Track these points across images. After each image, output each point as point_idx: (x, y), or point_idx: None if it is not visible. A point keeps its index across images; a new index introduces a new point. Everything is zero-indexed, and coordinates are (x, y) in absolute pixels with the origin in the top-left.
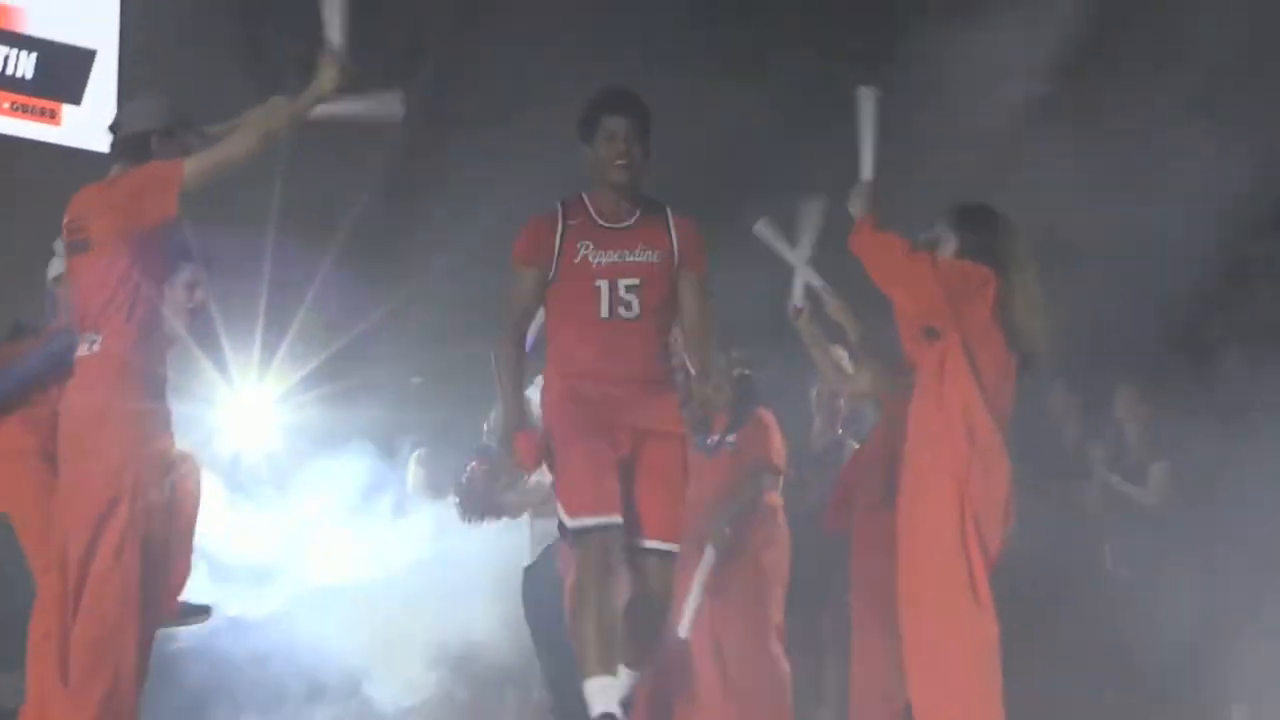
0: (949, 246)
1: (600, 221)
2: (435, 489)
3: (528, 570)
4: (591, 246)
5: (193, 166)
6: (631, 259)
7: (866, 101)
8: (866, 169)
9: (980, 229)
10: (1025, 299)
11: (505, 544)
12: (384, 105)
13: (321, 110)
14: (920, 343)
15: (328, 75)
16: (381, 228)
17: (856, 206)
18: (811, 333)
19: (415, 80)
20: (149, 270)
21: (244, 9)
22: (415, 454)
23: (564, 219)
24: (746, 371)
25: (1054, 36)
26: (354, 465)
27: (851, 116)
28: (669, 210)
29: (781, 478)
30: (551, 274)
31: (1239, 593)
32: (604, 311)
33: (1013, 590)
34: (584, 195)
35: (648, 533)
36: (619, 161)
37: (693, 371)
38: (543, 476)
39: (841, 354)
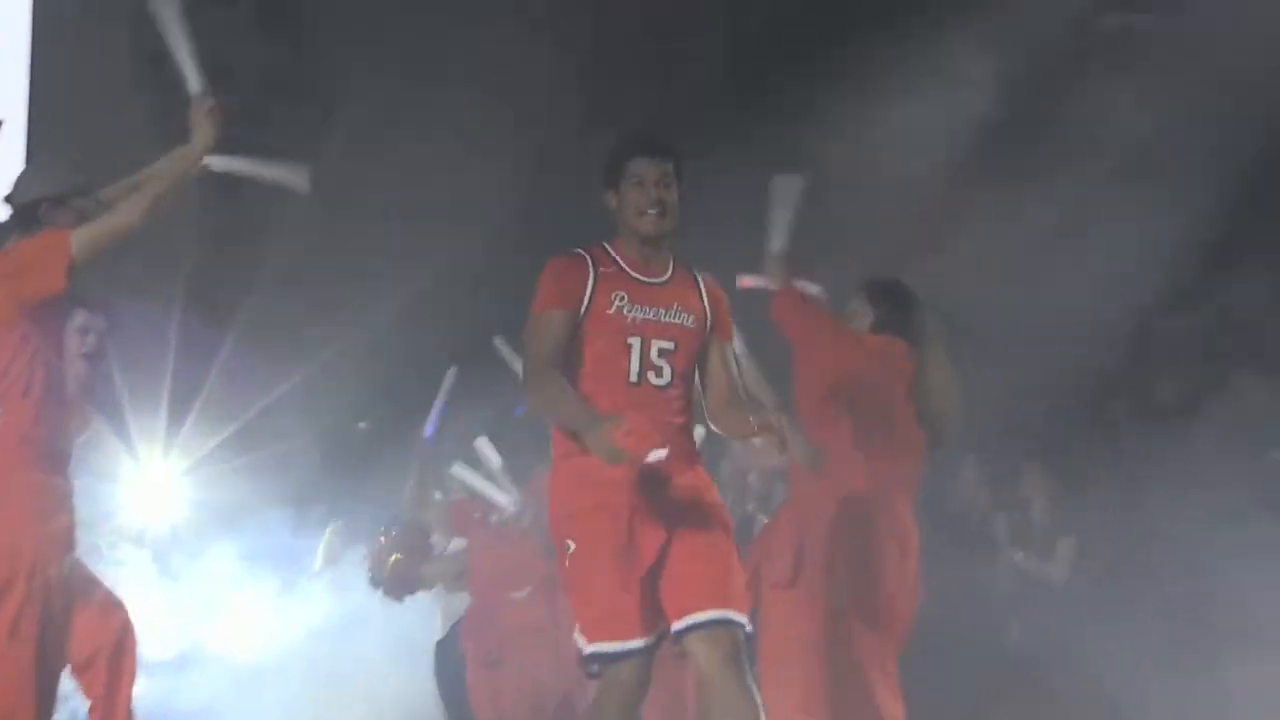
0: (864, 321)
1: (633, 273)
2: (351, 562)
3: (439, 645)
4: (626, 299)
5: (82, 237)
6: (668, 319)
7: (790, 186)
8: (779, 241)
9: (895, 304)
10: (935, 375)
11: (417, 618)
12: (291, 176)
13: (230, 166)
14: (828, 417)
15: (202, 128)
16: (286, 302)
17: (775, 278)
18: None
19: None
20: (47, 341)
21: (154, 71)
22: (331, 526)
23: (594, 264)
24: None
25: (967, 114)
26: (267, 539)
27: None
28: (697, 272)
29: None
30: (578, 323)
31: (1145, 666)
32: (634, 375)
33: (921, 666)
34: (606, 244)
35: (702, 604)
36: (650, 210)
37: (739, 436)
38: (459, 546)
39: None
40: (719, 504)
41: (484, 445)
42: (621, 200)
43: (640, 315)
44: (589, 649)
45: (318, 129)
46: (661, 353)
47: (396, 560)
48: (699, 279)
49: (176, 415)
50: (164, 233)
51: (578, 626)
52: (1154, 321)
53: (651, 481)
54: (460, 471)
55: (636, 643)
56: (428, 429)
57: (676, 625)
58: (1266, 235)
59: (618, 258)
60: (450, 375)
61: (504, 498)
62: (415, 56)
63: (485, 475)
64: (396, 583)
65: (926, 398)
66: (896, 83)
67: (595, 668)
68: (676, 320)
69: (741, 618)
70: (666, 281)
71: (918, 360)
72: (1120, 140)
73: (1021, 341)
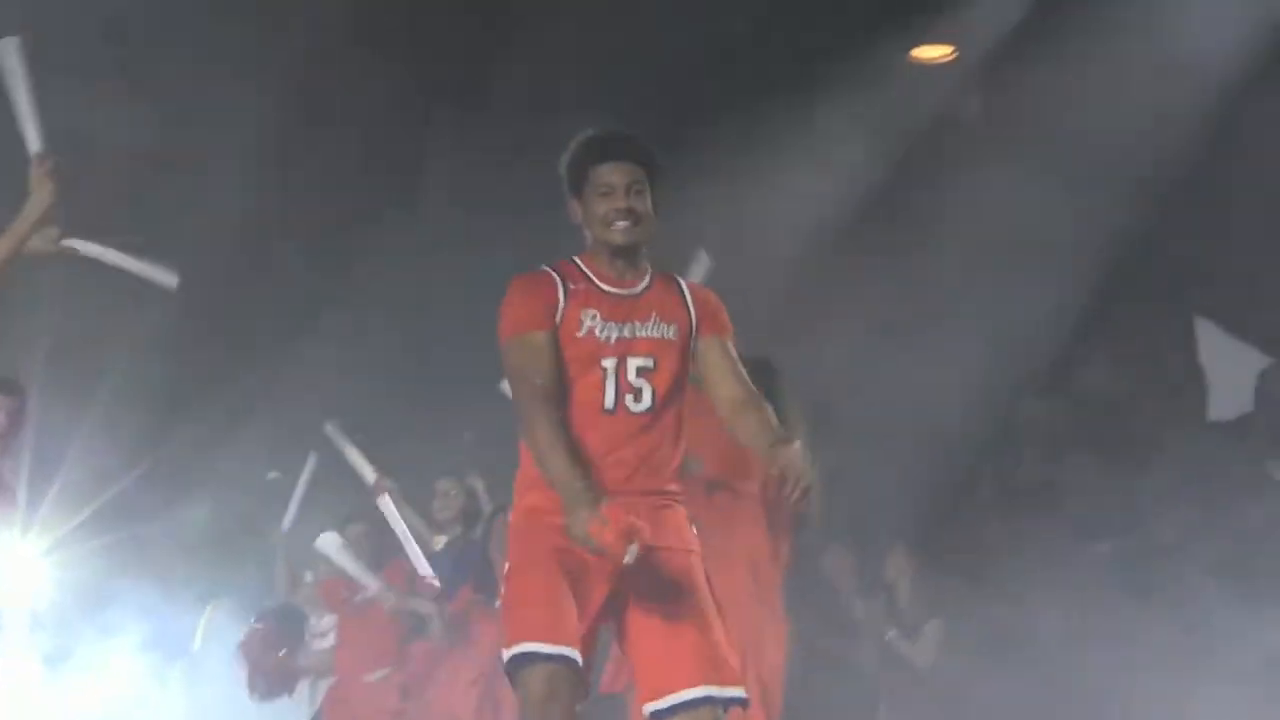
0: None
1: (604, 286)
2: (229, 647)
3: None
4: (598, 317)
5: None
6: (644, 334)
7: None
8: None
9: (760, 383)
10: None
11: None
12: (159, 275)
13: (97, 253)
14: (697, 495)
15: (40, 190)
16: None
17: None
18: None
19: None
20: None
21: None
22: (209, 607)
23: (562, 280)
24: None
25: (836, 196)
26: (137, 624)
27: None
28: (682, 280)
29: None
30: None
31: None
32: (608, 402)
33: None
34: (576, 258)
35: (686, 681)
36: (619, 223)
37: (759, 446)
38: (330, 623)
39: None
40: (696, 552)
41: (328, 543)
42: (587, 210)
43: (613, 334)
44: (506, 654)
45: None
46: (640, 371)
47: (280, 659)
48: (683, 284)
49: (35, 494)
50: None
51: (505, 642)
52: (1018, 404)
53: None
54: (325, 546)
55: (555, 648)
56: (286, 518)
57: (652, 706)
58: (1128, 319)
59: (587, 271)
60: (310, 462)
61: (368, 577)
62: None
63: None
64: (278, 682)
65: None
66: (766, 163)
67: (514, 680)
68: (655, 333)
69: (740, 692)
70: (643, 291)
71: None
72: (987, 224)
73: (886, 424)
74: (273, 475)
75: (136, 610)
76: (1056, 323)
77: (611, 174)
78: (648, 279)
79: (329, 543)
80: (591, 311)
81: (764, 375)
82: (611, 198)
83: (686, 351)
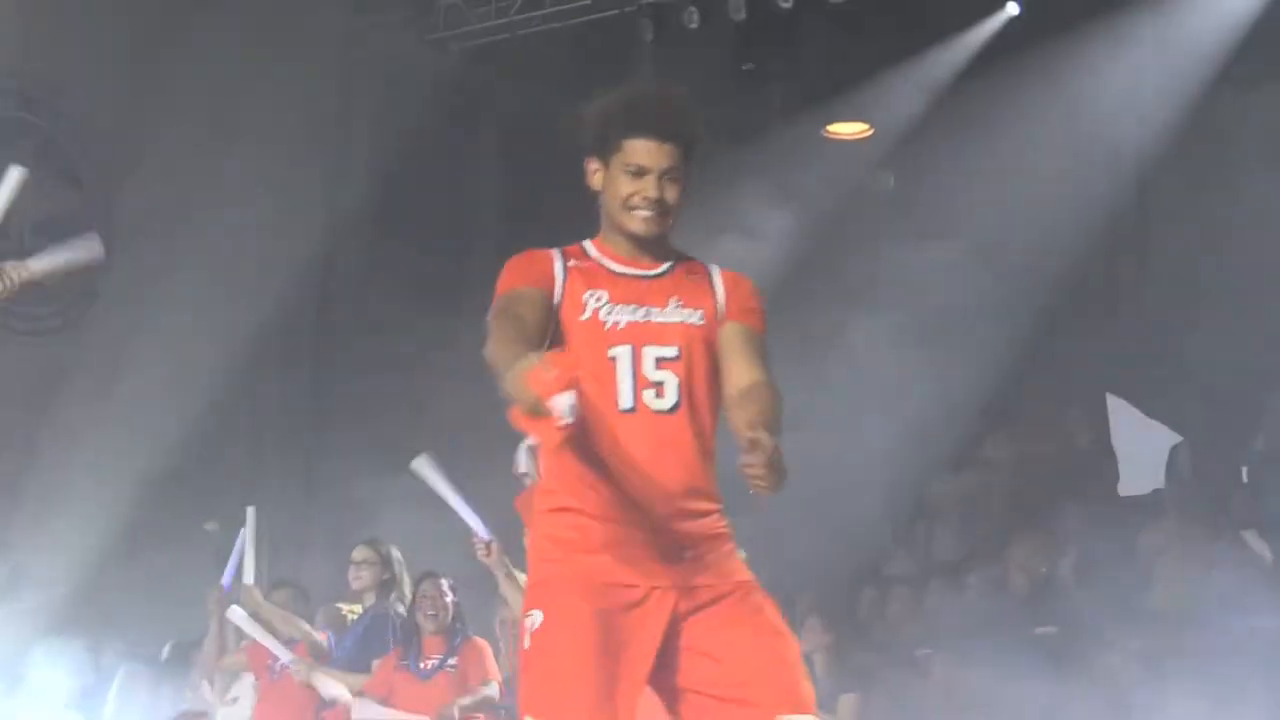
0: None
1: (613, 265)
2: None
3: None
4: (604, 299)
5: None
6: (661, 318)
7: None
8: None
9: None
10: None
11: None
12: (85, 249)
13: (34, 268)
14: None
15: None
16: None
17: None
18: (502, 566)
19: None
20: None
21: None
22: (122, 670)
23: (562, 257)
24: (456, 597)
25: (756, 268)
26: (50, 679)
27: None
28: (712, 265)
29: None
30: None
31: None
32: (625, 400)
33: None
34: (584, 242)
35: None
36: (643, 212)
37: (743, 439)
38: (238, 707)
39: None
40: (751, 581)
41: (235, 614)
42: (608, 183)
43: (623, 317)
44: None
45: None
46: (660, 363)
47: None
48: (712, 269)
49: None
50: None
51: (522, 708)
52: (932, 480)
53: (662, 543)
54: (234, 617)
55: None
56: (226, 575)
57: None
58: (1038, 396)
59: (593, 251)
60: (250, 518)
61: (279, 648)
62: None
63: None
64: None
65: None
66: (687, 236)
67: None
68: (676, 318)
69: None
70: (663, 273)
71: None
72: (899, 299)
73: (800, 500)
74: (210, 526)
75: (57, 664)
76: (967, 401)
77: (647, 154)
78: (669, 262)
79: (236, 614)
80: (597, 293)
81: None
82: (641, 181)
83: (715, 338)
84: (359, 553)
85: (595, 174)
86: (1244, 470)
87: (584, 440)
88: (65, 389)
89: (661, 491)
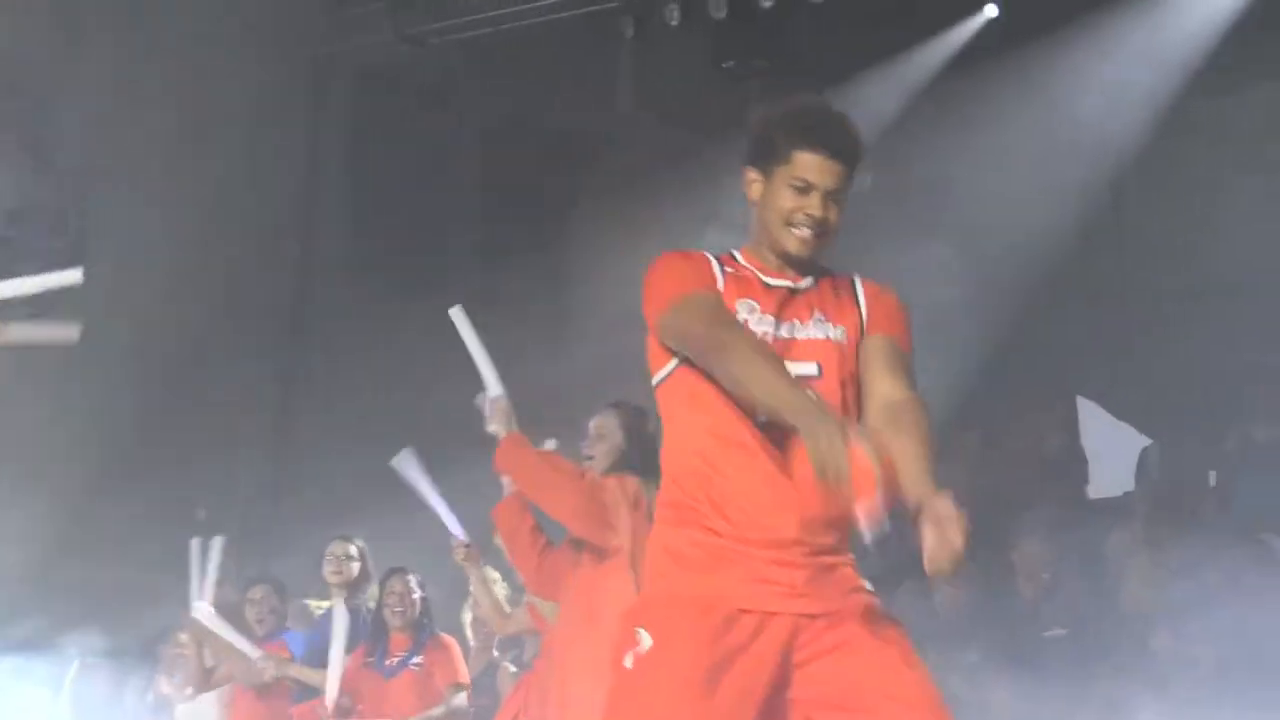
0: (609, 442)
1: (764, 277)
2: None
3: None
4: (756, 310)
5: None
6: (804, 334)
7: (461, 321)
8: (493, 385)
9: (644, 435)
10: None
11: None
12: (63, 331)
13: (10, 335)
14: (534, 549)
15: None
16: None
17: (498, 425)
18: (475, 569)
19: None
20: None
21: None
22: (76, 663)
23: (718, 261)
24: (423, 593)
25: None
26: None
27: None
28: (858, 278)
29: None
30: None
31: None
32: (762, 415)
33: None
34: (742, 250)
35: None
36: (803, 231)
37: (911, 499)
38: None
39: (501, 588)
40: (878, 607)
41: (201, 611)
42: (769, 195)
43: (771, 331)
44: None
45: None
46: (801, 380)
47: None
48: (857, 281)
49: None
50: None
51: None
52: None
53: (789, 569)
54: (199, 614)
55: None
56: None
57: None
58: (1008, 398)
59: (743, 260)
60: (217, 545)
61: (246, 645)
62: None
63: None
64: None
65: None
66: (676, 227)
67: None
68: (818, 333)
69: None
70: (808, 288)
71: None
72: None
73: None
74: (200, 513)
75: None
76: (939, 401)
77: (818, 171)
78: (815, 275)
79: (202, 611)
80: (749, 303)
81: (647, 428)
82: (806, 197)
83: (857, 356)
84: (335, 547)
85: (754, 184)
86: (1211, 474)
87: (713, 456)
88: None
89: (792, 514)
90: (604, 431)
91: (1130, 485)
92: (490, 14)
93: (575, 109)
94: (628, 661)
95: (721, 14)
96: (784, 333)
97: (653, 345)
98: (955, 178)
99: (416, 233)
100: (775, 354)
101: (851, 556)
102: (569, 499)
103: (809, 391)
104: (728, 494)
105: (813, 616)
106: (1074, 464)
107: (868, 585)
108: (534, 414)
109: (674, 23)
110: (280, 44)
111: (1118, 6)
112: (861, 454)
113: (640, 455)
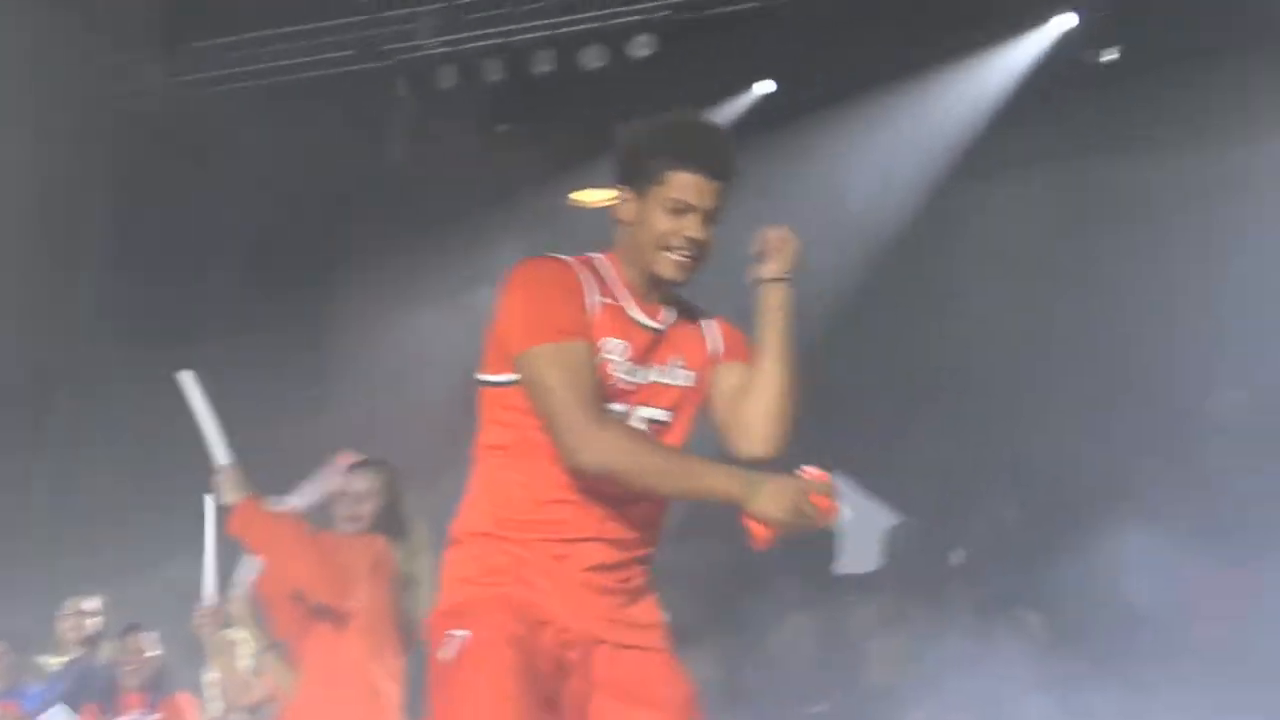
0: (368, 505)
1: (635, 314)
2: None
3: None
4: (624, 353)
5: None
6: (663, 380)
7: (190, 387)
8: (220, 454)
9: (396, 494)
10: (422, 560)
11: None
12: None
13: None
14: (295, 618)
15: None
16: None
17: (229, 494)
18: (215, 638)
19: None
20: None
21: None
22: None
23: (589, 287)
24: (159, 651)
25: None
26: None
27: None
28: (704, 312)
29: None
30: None
31: None
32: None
33: None
34: (604, 258)
35: None
36: (680, 255)
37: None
38: None
39: (245, 660)
40: (666, 650)
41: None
42: (642, 215)
43: (634, 378)
44: None
45: None
46: (650, 425)
47: None
48: (703, 320)
49: None
50: None
51: None
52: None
53: (598, 589)
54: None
55: None
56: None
57: None
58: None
59: (619, 285)
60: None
61: None
62: None
63: None
64: None
65: (412, 600)
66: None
67: None
68: (674, 380)
69: None
70: (670, 325)
71: (403, 550)
72: None
73: None
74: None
75: None
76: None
77: (696, 192)
78: (674, 311)
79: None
80: (619, 343)
81: (397, 477)
82: (683, 219)
83: (699, 402)
84: (79, 603)
85: (627, 204)
86: (951, 554)
87: (548, 487)
88: None
89: (612, 543)
90: (372, 491)
91: (877, 563)
92: (265, 65)
93: (347, 167)
94: (446, 654)
95: (497, 77)
96: (640, 378)
97: (495, 347)
98: (719, 251)
99: (174, 287)
100: (648, 438)
101: (652, 582)
102: (302, 563)
103: (719, 465)
104: (543, 508)
105: (607, 642)
106: (821, 538)
107: (664, 618)
108: (296, 473)
109: (448, 85)
110: (53, 86)
111: (889, 89)
112: (817, 493)
113: (394, 518)
